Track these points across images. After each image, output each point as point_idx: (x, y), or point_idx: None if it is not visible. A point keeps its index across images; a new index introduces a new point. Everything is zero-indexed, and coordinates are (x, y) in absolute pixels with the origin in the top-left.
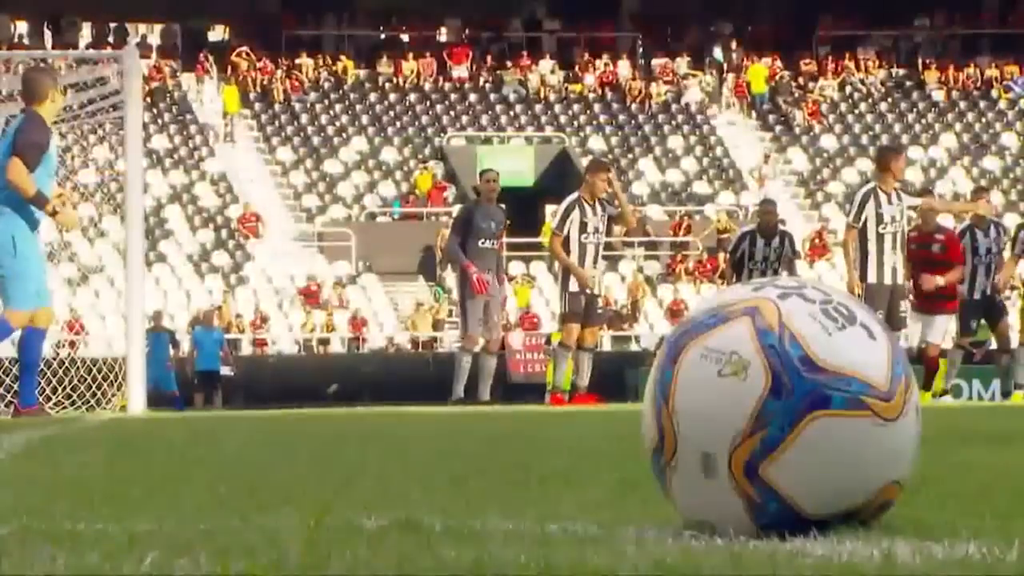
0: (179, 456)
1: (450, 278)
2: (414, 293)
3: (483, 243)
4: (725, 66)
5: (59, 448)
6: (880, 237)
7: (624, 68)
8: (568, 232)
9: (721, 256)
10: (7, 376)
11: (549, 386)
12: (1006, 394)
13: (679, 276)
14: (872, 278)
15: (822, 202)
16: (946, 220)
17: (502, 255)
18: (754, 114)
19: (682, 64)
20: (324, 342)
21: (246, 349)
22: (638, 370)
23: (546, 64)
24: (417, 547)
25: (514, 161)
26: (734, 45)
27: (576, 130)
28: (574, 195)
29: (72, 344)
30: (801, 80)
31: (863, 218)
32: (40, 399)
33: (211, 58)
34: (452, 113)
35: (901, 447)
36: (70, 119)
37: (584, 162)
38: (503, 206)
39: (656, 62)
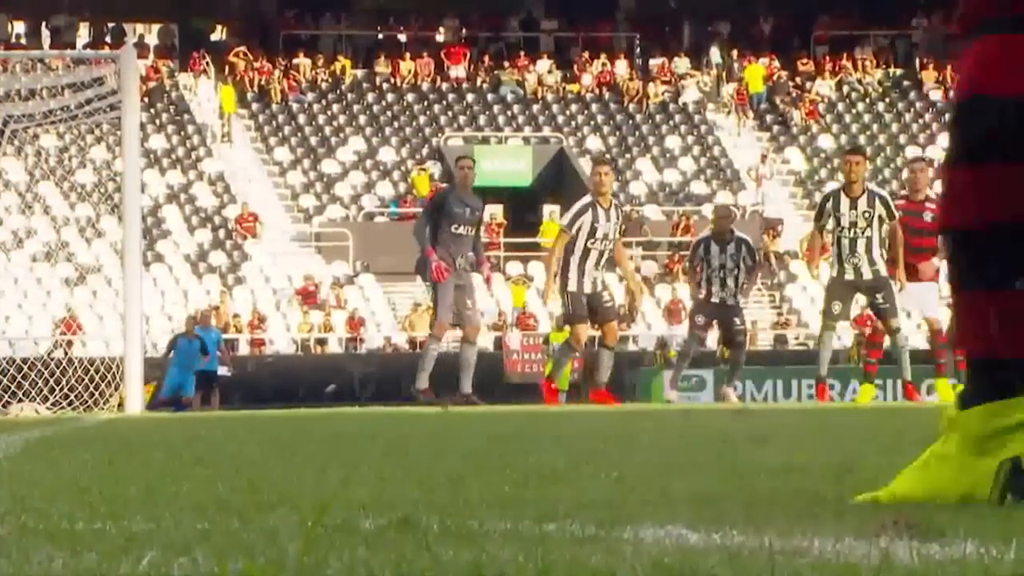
0: (177, 456)
1: None
2: (412, 293)
3: (456, 228)
4: (725, 70)
5: (57, 448)
6: (838, 240)
7: (621, 68)
8: (577, 234)
9: None
10: (4, 376)
11: (544, 376)
12: None
13: (676, 276)
14: (834, 273)
15: None
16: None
17: (480, 242)
18: (751, 114)
19: (680, 64)
20: (322, 342)
21: (244, 349)
22: (636, 370)
23: (543, 64)
24: (415, 547)
25: (511, 161)
26: (735, 54)
27: (573, 130)
28: (588, 198)
29: (69, 344)
30: (798, 80)
31: (822, 221)
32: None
33: (208, 58)
34: (450, 113)
35: None
36: (68, 119)
37: (582, 162)
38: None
39: (653, 62)
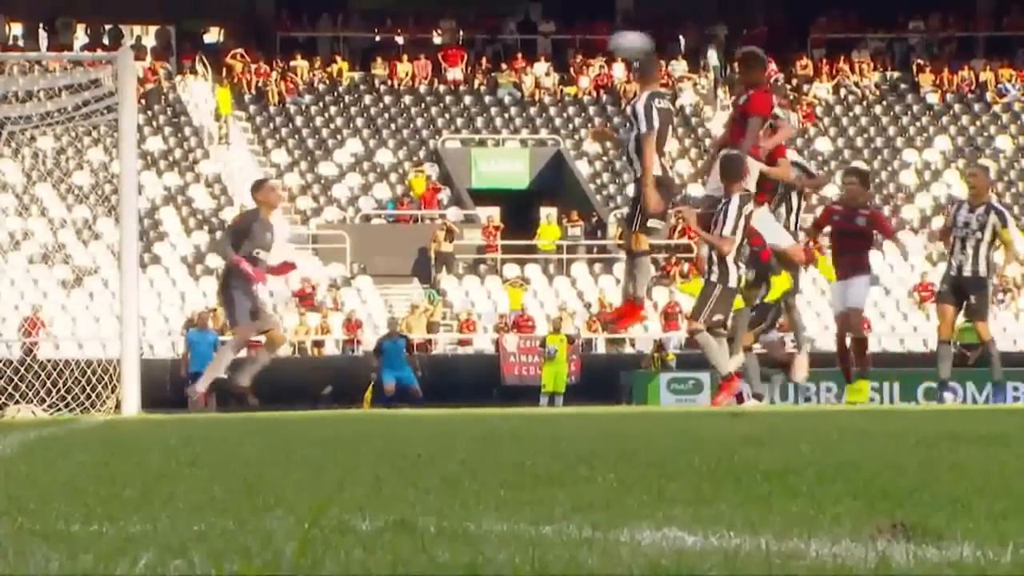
0: (173, 457)
1: (444, 280)
2: (408, 295)
3: (258, 253)
4: (722, 70)
5: (54, 449)
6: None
7: (619, 70)
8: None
9: None
10: (0, 378)
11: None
12: None
13: (674, 279)
14: None
15: (816, 204)
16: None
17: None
18: None
19: (677, 67)
20: (319, 344)
21: (240, 351)
22: (632, 372)
23: (541, 66)
24: (411, 548)
25: (509, 163)
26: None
27: (571, 132)
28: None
29: (34, 345)
30: (796, 82)
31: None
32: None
33: (206, 60)
34: (447, 115)
35: None
36: (65, 120)
37: (579, 164)
38: (284, 222)
39: None
